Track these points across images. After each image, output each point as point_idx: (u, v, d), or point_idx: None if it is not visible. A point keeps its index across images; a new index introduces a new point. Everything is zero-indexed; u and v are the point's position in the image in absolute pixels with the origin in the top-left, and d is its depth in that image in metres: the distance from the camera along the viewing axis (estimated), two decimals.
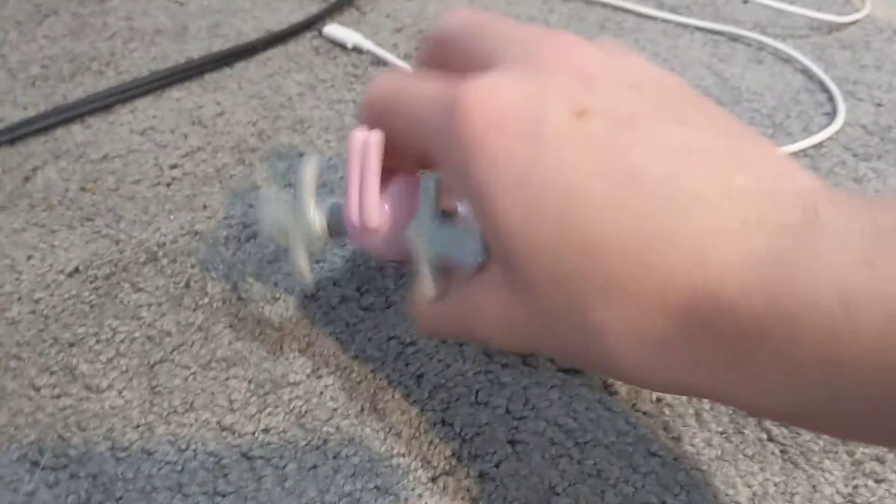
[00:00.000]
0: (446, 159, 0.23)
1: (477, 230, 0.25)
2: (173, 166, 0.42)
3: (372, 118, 0.28)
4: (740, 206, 0.19)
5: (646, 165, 0.20)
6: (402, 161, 0.28)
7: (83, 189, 0.41)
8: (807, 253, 0.17)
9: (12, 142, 0.44)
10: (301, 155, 0.44)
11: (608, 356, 0.21)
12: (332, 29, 0.53)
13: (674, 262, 0.19)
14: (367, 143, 0.28)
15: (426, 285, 0.27)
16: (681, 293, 0.19)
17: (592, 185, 0.20)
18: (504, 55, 0.24)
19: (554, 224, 0.20)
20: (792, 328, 0.17)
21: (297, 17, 0.55)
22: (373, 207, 0.28)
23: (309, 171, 0.30)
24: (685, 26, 0.58)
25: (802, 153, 0.46)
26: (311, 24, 0.54)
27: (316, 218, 0.30)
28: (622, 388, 0.33)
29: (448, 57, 0.28)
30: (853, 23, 0.59)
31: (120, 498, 0.29)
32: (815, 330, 0.17)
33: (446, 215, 0.28)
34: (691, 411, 0.32)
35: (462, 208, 0.29)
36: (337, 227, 0.31)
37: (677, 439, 0.31)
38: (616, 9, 0.59)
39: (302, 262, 0.31)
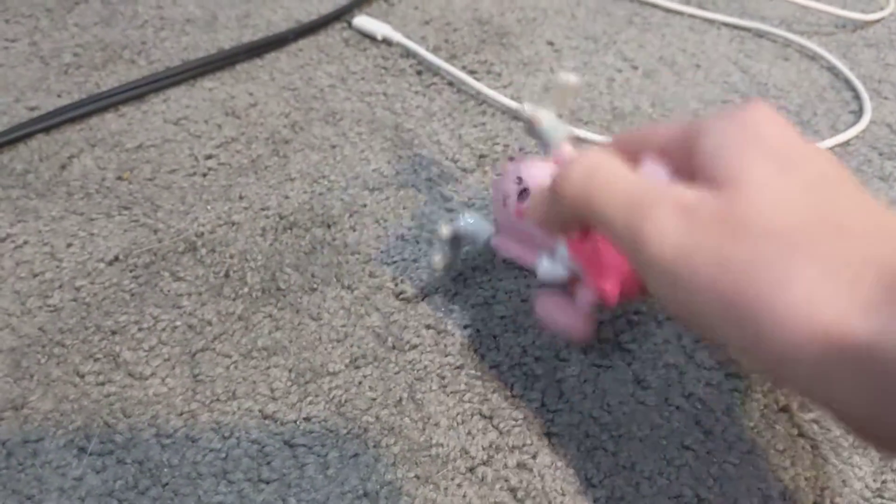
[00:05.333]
0: None
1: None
2: (208, 157, 0.43)
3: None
4: None
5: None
6: None
7: (119, 178, 0.42)
8: None
9: (48, 130, 0.44)
10: (333, 148, 0.44)
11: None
12: (362, 20, 0.53)
13: None
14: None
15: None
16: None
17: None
18: None
19: None
20: None
21: (327, 7, 0.55)
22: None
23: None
24: (711, 22, 0.58)
25: (830, 151, 0.46)
26: (341, 15, 0.54)
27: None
28: (654, 383, 0.33)
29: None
30: (878, 21, 0.59)
31: (166, 484, 0.29)
32: None
33: None
34: (722, 406, 0.33)
35: None
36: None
37: (709, 433, 0.32)
38: (643, 3, 0.59)
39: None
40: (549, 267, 0.31)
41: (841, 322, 0.20)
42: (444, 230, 0.34)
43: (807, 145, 0.25)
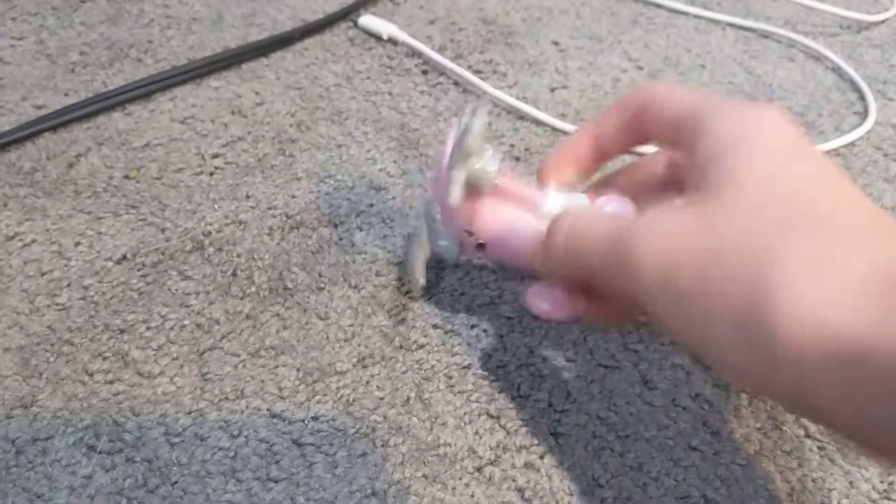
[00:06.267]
0: None
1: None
2: (215, 155, 0.43)
3: None
4: None
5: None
6: None
7: (127, 177, 0.42)
8: None
9: (55, 128, 0.44)
10: (339, 147, 0.44)
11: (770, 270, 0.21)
12: (367, 20, 0.53)
13: None
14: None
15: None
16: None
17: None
18: None
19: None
20: None
21: (332, 7, 0.55)
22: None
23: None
24: (716, 22, 0.58)
25: (835, 152, 0.46)
26: (346, 14, 0.54)
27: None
28: (661, 383, 0.33)
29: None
30: (882, 21, 0.60)
31: (175, 482, 0.30)
32: None
33: None
34: (730, 407, 0.33)
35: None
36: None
37: (716, 434, 0.32)
38: (648, 3, 0.59)
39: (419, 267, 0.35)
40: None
41: (835, 322, 0.20)
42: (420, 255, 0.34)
43: (805, 147, 0.25)
